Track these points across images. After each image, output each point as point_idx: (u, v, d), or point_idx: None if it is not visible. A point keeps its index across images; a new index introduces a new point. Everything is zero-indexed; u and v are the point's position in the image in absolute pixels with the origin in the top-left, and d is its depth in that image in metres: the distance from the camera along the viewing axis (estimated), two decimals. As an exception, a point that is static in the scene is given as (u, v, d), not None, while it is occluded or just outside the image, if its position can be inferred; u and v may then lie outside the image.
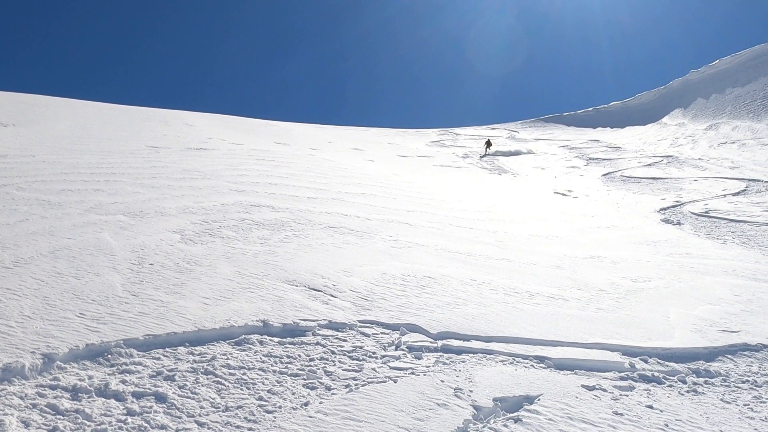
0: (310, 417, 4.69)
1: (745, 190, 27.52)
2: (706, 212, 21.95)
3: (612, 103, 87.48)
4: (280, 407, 4.82)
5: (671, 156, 42.14)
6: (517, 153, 50.04)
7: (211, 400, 4.85)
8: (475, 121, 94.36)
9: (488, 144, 50.23)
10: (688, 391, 6.11)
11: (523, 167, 40.54)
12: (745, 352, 7.68)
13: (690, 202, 24.92)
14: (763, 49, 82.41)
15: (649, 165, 38.48)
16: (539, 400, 5.39)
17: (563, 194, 28.11)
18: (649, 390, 5.98)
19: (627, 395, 5.75)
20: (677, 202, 25.08)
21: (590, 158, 44.66)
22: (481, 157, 45.49)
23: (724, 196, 26.37)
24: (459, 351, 6.44)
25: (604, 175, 35.73)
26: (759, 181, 29.85)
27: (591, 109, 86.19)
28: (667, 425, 5.21)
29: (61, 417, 4.46)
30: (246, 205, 12.95)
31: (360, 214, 13.83)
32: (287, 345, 6.08)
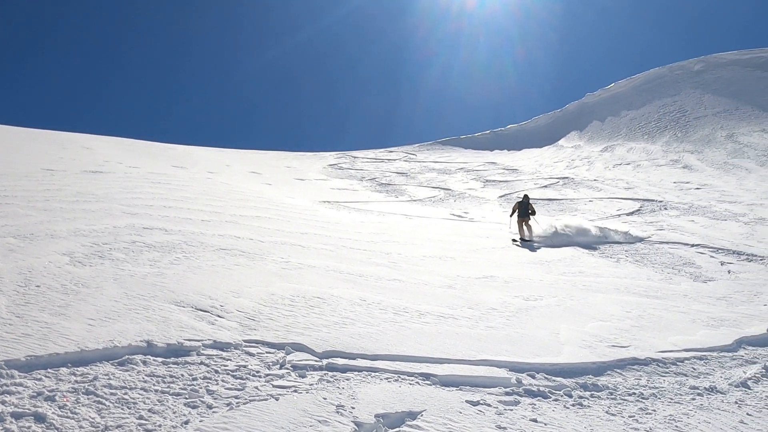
0: (190, 435, 4.62)
1: (639, 210, 28.43)
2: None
3: (509, 126, 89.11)
4: (160, 426, 4.73)
5: (567, 177, 43.21)
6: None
7: (91, 419, 4.73)
8: (373, 145, 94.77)
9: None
10: (573, 405, 6.22)
11: (421, 190, 40.85)
12: (633, 366, 7.88)
13: (585, 222, 25.53)
14: (657, 72, 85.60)
15: (545, 186, 39.35)
16: (422, 415, 5.39)
17: (459, 216, 28.42)
18: (534, 404, 6.06)
19: (511, 410, 5.81)
20: (572, 222, 25.64)
21: (487, 180, 45.33)
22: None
23: (619, 216, 27.17)
24: (344, 369, 6.40)
25: (501, 196, 36.32)
26: (653, 201, 30.94)
27: (488, 131, 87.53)
28: (551, 438, 5.28)
29: (-63, 439, 4.31)
30: (138, 227, 12.66)
31: (253, 236, 13.70)
32: (170, 365, 5.94)
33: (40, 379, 5.34)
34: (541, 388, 6.51)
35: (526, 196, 23.30)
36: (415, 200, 36.01)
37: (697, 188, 37.23)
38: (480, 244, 18.60)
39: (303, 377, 6.04)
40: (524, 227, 21.77)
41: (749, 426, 6.42)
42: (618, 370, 7.65)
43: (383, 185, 43.22)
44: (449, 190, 40.56)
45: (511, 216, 22.89)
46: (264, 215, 18.10)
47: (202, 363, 6.08)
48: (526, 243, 20.67)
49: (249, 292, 8.90)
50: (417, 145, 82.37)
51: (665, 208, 29.13)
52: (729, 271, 16.27)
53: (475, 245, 18.33)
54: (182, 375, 5.74)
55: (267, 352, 6.61)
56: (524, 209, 22.20)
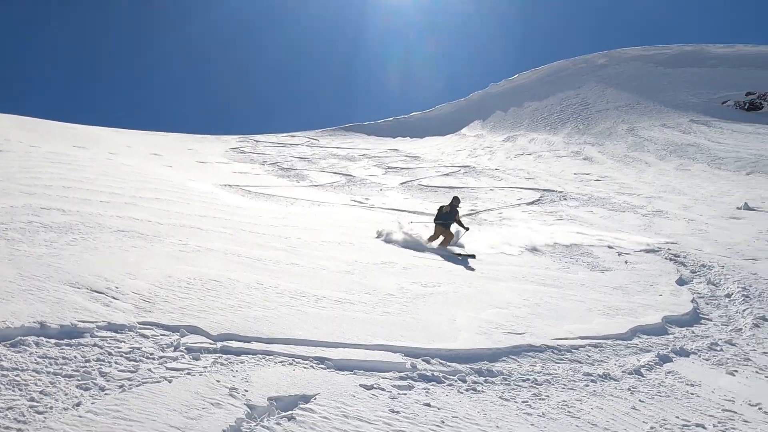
0: (80, 417, 4.56)
1: (539, 200, 28.96)
2: (500, 220, 22.85)
3: (412, 114, 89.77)
4: (51, 408, 4.65)
5: (469, 166, 43.78)
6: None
7: (-19, 401, 4.63)
8: (275, 129, 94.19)
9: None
10: (467, 390, 6.32)
11: (322, 175, 40.78)
12: (529, 353, 8.04)
13: (485, 210, 25.92)
14: (560, 65, 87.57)
15: (447, 174, 39.73)
16: (315, 399, 5.40)
17: (360, 202, 28.51)
18: (428, 389, 6.13)
19: (405, 394, 5.87)
20: (472, 210, 26.01)
21: (389, 167, 45.57)
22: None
23: (519, 205, 27.63)
24: (238, 352, 6.36)
25: (402, 183, 36.54)
26: (553, 191, 31.59)
27: (391, 119, 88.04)
28: (444, 422, 5.36)
29: None
30: (36, 207, 12.31)
31: (152, 218, 13.48)
32: (64, 346, 5.81)
33: (-69, 360, 5.21)
34: (436, 373, 6.59)
35: (456, 198, 18.61)
36: (316, 185, 35.94)
37: (597, 180, 38.18)
38: (383, 228, 18.66)
39: (197, 360, 5.99)
40: (440, 236, 17.47)
41: (641, 412, 6.63)
42: (513, 357, 7.79)
43: (285, 170, 43.03)
44: (351, 176, 40.61)
45: (434, 221, 18.00)
46: (164, 197, 17.86)
47: (95, 345, 5.97)
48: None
49: (145, 274, 8.75)
50: (320, 130, 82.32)
51: (565, 199, 29.81)
52: (626, 262, 16.68)
53: (375, 231, 18.39)
54: (75, 357, 5.63)
55: (161, 335, 6.53)
56: (450, 215, 17.83)
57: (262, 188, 30.18)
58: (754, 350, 9.94)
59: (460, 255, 15.86)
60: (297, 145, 64.52)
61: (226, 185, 29.16)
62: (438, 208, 18.54)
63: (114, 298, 7.43)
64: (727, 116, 61.22)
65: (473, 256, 15.69)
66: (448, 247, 17.07)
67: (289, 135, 76.56)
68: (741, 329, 11.17)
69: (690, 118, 60.35)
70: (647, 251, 18.36)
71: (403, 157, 52.77)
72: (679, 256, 17.63)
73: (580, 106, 70.40)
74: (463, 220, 18.24)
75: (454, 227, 17.77)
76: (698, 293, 13.67)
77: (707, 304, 12.90)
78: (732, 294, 13.62)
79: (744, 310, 12.34)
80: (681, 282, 14.66)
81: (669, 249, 18.60)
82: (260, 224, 16.22)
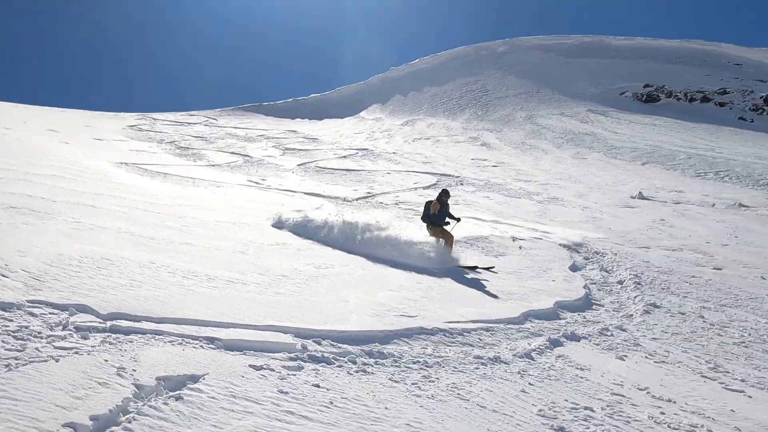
0: (-35, 397, 4.45)
1: (436, 184, 29.27)
2: (396, 203, 23.01)
3: (311, 96, 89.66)
4: (-64, 386, 4.52)
5: (366, 149, 43.95)
6: None
7: None
8: (173, 108, 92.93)
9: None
10: (357, 371, 6.38)
11: (219, 155, 40.37)
12: (420, 336, 8.14)
13: (382, 193, 26.07)
14: (462, 51, 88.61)
15: (344, 157, 39.79)
16: (204, 379, 5.38)
17: (257, 183, 28.34)
18: (318, 370, 6.17)
19: (294, 375, 5.89)
20: (369, 193, 26.17)
21: (287, 148, 45.38)
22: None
23: (415, 189, 27.87)
24: (128, 331, 6.28)
25: (300, 165, 36.43)
26: (450, 176, 31.92)
27: (291, 100, 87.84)
28: (332, 403, 5.40)
29: None
30: (-76, 184, 11.97)
31: (45, 195, 13.17)
32: (-49, 326, 5.65)
33: None
34: (326, 355, 6.64)
35: (446, 193, 15.89)
36: (213, 165, 35.56)
37: (494, 166, 38.80)
38: (275, 211, 18.60)
39: (85, 339, 5.88)
40: (440, 239, 15.10)
41: (530, 395, 6.79)
42: (405, 339, 7.87)
43: (182, 149, 42.45)
44: (248, 156, 40.28)
45: (422, 220, 15.81)
46: (59, 174, 17.47)
47: (-18, 324, 5.82)
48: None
49: (36, 251, 8.53)
50: (218, 110, 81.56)
51: (461, 184, 30.24)
52: (520, 247, 16.97)
53: (271, 212, 18.32)
54: (-38, 335, 5.48)
55: (50, 313, 6.37)
56: (441, 215, 15.39)
57: (158, 167, 29.71)
58: (644, 336, 10.29)
59: (464, 267, 13.95)
60: (195, 124, 63.77)
61: (122, 163, 28.61)
62: (425, 203, 15.98)
63: (2, 275, 7.23)
64: (624, 107, 62.97)
65: (475, 268, 13.95)
66: (457, 260, 14.46)
67: (188, 114, 75.64)
68: (632, 315, 11.54)
69: (588, 107, 61.85)
70: (540, 237, 18.71)
71: (301, 139, 52.62)
72: (573, 243, 18.01)
73: (479, 92, 71.37)
74: (453, 211, 16.09)
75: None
76: (591, 279, 14.05)
77: (599, 290, 13.27)
78: (624, 281, 14.06)
79: (635, 297, 12.75)
80: (574, 268, 15.03)
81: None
82: (155, 203, 16.02)
